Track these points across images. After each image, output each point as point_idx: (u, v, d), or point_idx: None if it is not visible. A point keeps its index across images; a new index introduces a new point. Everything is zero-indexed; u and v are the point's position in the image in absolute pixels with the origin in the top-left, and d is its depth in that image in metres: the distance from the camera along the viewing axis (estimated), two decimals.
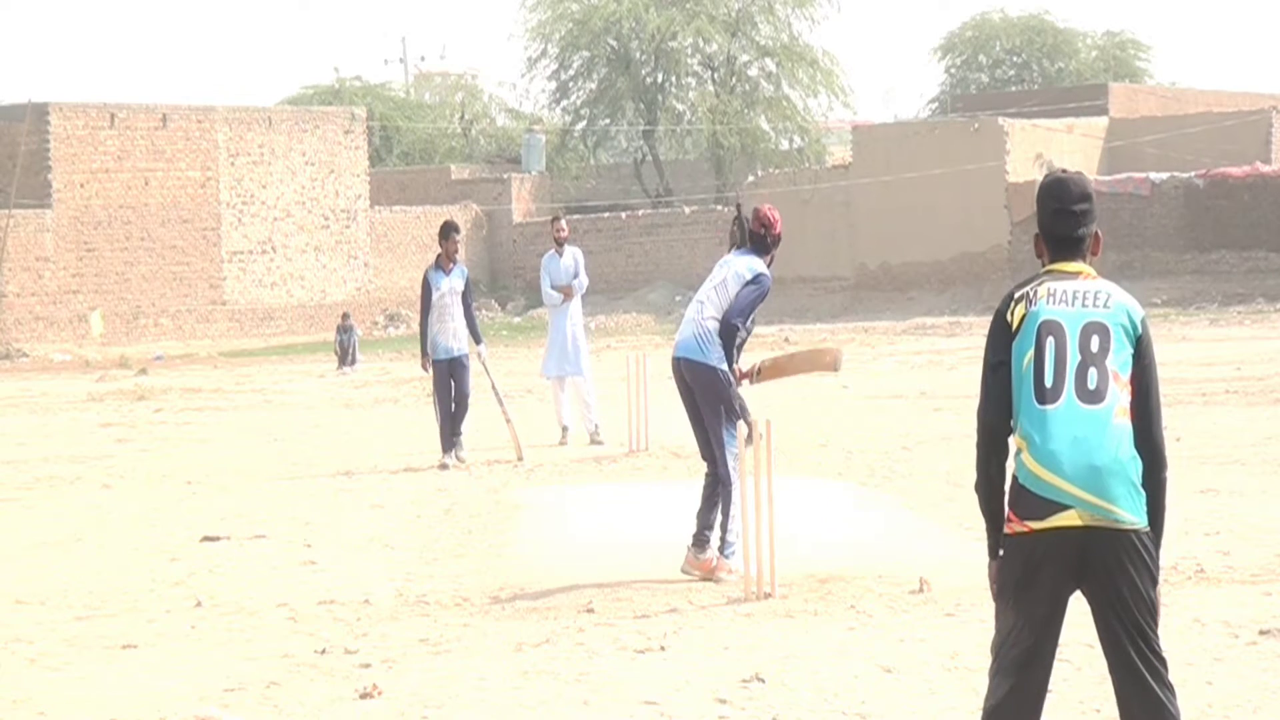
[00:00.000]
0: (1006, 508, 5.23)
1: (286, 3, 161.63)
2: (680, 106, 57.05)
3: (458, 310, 16.73)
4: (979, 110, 50.46)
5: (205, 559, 11.65)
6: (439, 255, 16.92)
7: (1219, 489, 12.84)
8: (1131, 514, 5.13)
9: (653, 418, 16.96)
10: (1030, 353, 5.20)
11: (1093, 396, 5.13)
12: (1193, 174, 42.48)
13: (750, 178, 49.96)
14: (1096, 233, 5.38)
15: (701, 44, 56.44)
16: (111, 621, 9.65)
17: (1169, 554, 10.27)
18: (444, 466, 16.29)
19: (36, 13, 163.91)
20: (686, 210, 50.87)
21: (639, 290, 49.60)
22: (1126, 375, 5.19)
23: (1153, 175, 42.81)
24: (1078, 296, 5.24)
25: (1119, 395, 5.16)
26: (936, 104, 63.79)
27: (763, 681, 7.62)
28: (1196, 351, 27.19)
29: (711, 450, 10.27)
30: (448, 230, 16.94)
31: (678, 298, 46.22)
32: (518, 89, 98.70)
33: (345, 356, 34.00)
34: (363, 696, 7.69)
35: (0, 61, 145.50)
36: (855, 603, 9.27)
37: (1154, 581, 5.21)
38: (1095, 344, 5.18)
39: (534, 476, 15.69)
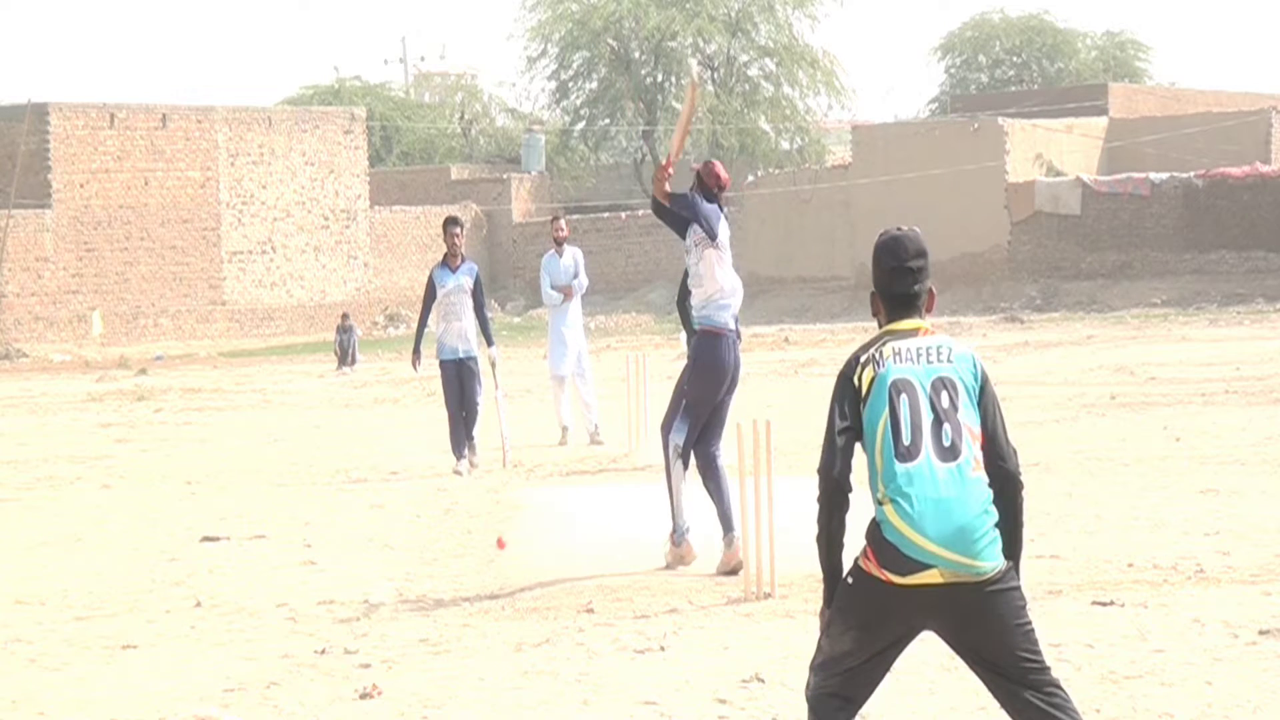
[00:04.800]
0: (865, 543, 5.30)
1: (286, 3, 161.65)
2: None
3: (466, 310, 16.16)
4: (979, 110, 50.48)
5: (205, 559, 11.64)
6: (446, 253, 16.47)
7: (1219, 489, 12.82)
8: (992, 561, 5.22)
9: (653, 418, 16.93)
10: (885, 414, 5.27)
11: (948, 454, 5.23)
12: (1192, 174, 42.48)
13: (750, 178, 49.97)
14: (931, 289, 5.46)
15: (701, 44, 56.45)
16: (111, 621, 9.65)
17: (1169, 554, 10.31)
18: (457, 473, 15.83)
19: (36, 13, 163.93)
20: None
21: (639, 290, 49.61)
22: (978, 429, 5.30)
23: (1152, 175, 42.81)
24: (921, 353, 5.32)
25: (972, 449, 5.27)
26: (936, 104, 63.81)
27: (763, 681, 7.62)
28: (1196, 351, 27.19)
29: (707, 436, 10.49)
30: (448, 224, 16.52)
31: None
32: (517, 89, 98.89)
33: (345, 357, 34.00)
34: (363, 696, 7.69)
35: (0, 61, 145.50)
36: None
37: (1023, 605, 5.28)
38: (946, 400, 5.28)
39: (534, 476, 15.68)
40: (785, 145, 56.59)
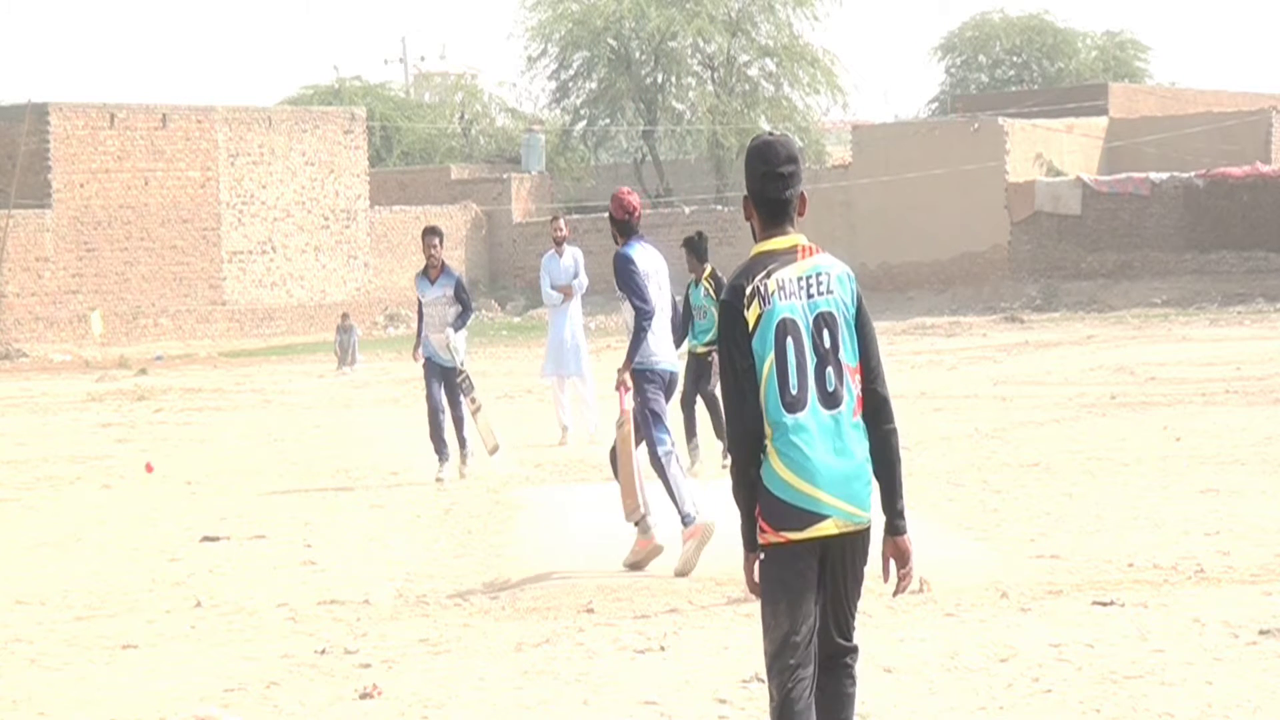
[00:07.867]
0: (757, 520, 5.32)
1: (286, 3, 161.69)
2: (680, 106, 57.03)
3: (449, 320, 16.06)
4: (979, 110, 50.45)
5: (205, 559, 11.65)
6: (426, 264, 16.38)
7: (1219, 489, 12.83)
8: (868, 510, 5.33)
9: None
10: (771, 356, 5.29)
11: (831, 400, 5.29)
12: (1193, 174, 42.46)
13: None
14: (803, 194, 5.49)
15: (701, 44, 56.43)
16: (111, 621, 9.65)
17: (1169, 554, 10.31)
18: (439, 480, 15.42)
19: (36, 13, 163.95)
20: (686, 210, 50.86)
21: None
22: (855, 364, 5.36)
23: (1153, 175, 42.79)
24: (803, 285, 5.36)
25: (853, 391, 5.33)
26: (936, 104, 63.80)
27: (762, 681, 7.60)
28: (1196, 351, 27.18)
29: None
30: (426, 234, 16.48)
31: (677, 298, 46.16)
32: (518, 89, 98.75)
33: (345, 356, 33.99)
34: (363, 696, 7.69)
35: (0, 61, 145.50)
36: None
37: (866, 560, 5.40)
38: (827, 339, 5.33)
39: (534, 476, 15.68)
40: None
